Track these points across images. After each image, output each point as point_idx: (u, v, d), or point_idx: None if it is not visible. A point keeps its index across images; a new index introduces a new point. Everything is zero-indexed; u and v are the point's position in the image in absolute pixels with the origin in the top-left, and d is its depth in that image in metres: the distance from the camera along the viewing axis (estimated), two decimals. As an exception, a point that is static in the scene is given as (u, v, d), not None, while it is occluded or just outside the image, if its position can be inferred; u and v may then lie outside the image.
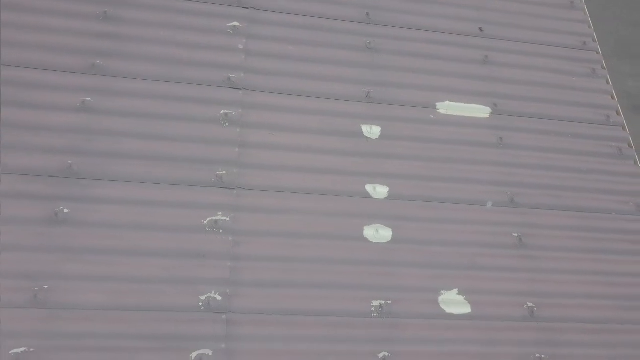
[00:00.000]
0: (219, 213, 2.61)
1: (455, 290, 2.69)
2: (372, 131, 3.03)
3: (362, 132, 3.02)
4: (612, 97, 3.57)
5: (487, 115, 3.25)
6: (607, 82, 3.63)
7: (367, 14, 3.47)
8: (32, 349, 2.18)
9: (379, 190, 2.85)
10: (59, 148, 2.61)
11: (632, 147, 3.37)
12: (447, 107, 3.21)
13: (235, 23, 3.22)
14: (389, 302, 2.58)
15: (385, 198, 2.84)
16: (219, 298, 2.41)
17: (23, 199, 2.46)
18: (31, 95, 2.72)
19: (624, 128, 3.44)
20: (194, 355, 2.29)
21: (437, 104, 3.21)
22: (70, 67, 2.84)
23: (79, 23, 2.99)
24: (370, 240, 2.72)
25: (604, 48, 6.45)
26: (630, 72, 6.46)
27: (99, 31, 2.99)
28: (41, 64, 2.81)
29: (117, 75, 2.87)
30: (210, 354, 2.30)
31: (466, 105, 3.24)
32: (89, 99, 2.78)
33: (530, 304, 2.76)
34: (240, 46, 3.14)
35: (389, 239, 2.74)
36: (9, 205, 2.43)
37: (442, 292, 2.67)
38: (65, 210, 2.46)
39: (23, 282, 2.29)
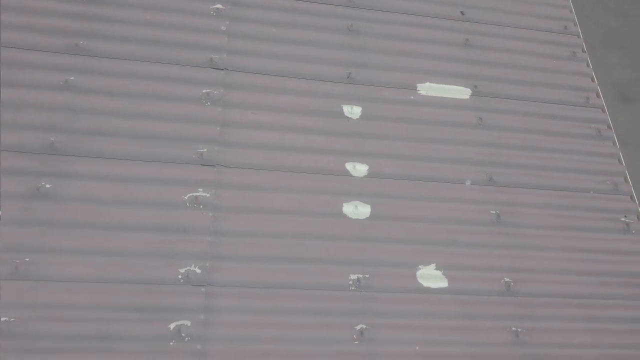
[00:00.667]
0: (199, 189, 2.65)
1: (433, 265, 2.73)
2: (352, 111, 3.07)
3: (342, 112, 3.06)
4: (592, 80, 3.61)
5: (467, 97, 3.30)
6: (587, 65, 3.67)
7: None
8: (12, 319, 2.22)
9: (358, 168, 2.89)
10: (42, 125, 2.65)
11: (610, 129, 3.42)
12: (428, 88, 3.25)
13: (219, 5, 3.26)
14: (367, 276, 2.63)
15: (365, 176, 2.89)
16: (198, 271, 2.46)
17: (5, 175, 2.49)
18: (15, 74, 2.75)
19: (603, 110, 3.49)
20: (172, 325, 2.33)
21: (418, 85, 3.26)
22: (54, 47, 2.87)
23: (63, 5, 3.02)
24: (349, 216, 2.76)
25: (592, 39, 6.53)
26: (618, 62, 6.51)
27: (82, 12, 3.02)
28: (25, 44, 2.85)
29: (100, 56, 2.91)
30: (189, 324, 2.35)
31: (446, 86, 3.29)
32: (72, 78, 2.81)
33: (507, 279, 2.80)
34: (223, 28, 3.17)
35: (368, 215, 2.78)
36: (-9, 180, 2.47)
37: (419, 267, 2.72)
38: (47, 186, 2.50)
39: (4, 255, 2.33)
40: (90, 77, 2.84)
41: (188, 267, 2.46)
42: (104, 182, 2.57)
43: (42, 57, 2.84)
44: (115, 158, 2.63)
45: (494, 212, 2.93)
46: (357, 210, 2.78)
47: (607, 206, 3.12)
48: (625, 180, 3.23)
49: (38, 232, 2.40)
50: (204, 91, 2.94)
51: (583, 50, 3.74)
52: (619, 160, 3.31)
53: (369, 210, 2.79)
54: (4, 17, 2.91)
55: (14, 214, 2.42)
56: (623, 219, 3.09)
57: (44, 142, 2.61)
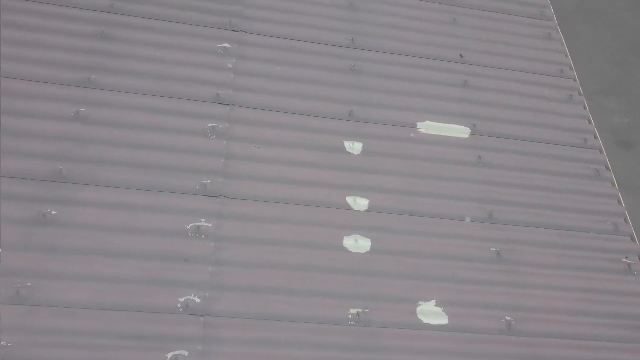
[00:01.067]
0: (202, 220, 2.68)
1: (433, 302, 2.72)
2: (354, 147, 3.14)
3: (344, 148, 3.13)
4: (589, 122, 3.69)
5: (466, 136, 3.37)
6: (584, 108, 3.76)
7: (352, 39, 3.64)
8: (10, 344, 2.21)
9: (359, 203, 2.93)
10: (51, 154, 2.71)
11: (609, 170, 3.47)
12: (428, 127, 3.33)
13: (226, 44, 3.39)
14: (367, 310, 2.62)
15: (366, 210, 2.92)
16: (198, 301, 2.46)
17: (12, 200, 2.54)
18: (29, 105, 2.85)
19: (601, 151, 3.55)
20: (170, 355, 2.31)
21: (418, 123, 3.33)
22: (67, 81, 2.98)
23: (78, 41, 3.16)
24: (350, 250, 2.78)
25: (591, 87, 6.69)
26: (617, 109, 6.64)
27: (96, 48, 3.15)
28: (41, 77, 2.96)
29: (111, 89, 3.01)
30: (187, 354, 2.33)
31: (446, 125, 3.37)
32: (83, 109, 2.90)
33: (508, 318, 2.78)
34: (230, 65, 3.29)
35: (368, 249, 2.80)
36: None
37: (420, 302, 2.71)
38: (53, 212, 2.54)
39: (7, 279, 2.34)
40: (100, 109, 2.93)
41: (188, 297, 2.46)
42: (109, 210, 2.61)
43: (55, 89, 2.94)
44: (122, 187, 2.68)
45: (494, 249, 2.94)
46: (357, 244, 2.80)
47: (607, 246, 3.13)
48: (626, 221, 3.25)
49: (41, 258, 2.42)
50: (210, 125, 3.01)
51: (579, 94, 3.84)
52: (619, 201, 3.34)
53: (370, 244, 2.81)
54: (24, 51, 3.03)
55: (18, 239, 2.45)
56: (624, 260, 3.09)
57: (53, 170, 2.67)
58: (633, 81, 6.95)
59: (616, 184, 3.41)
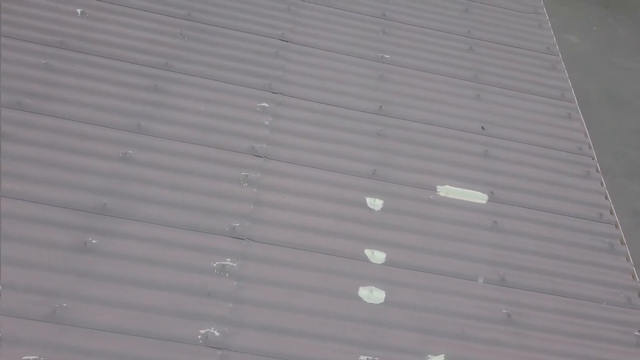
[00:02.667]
0: (227, 259, 2.87)
1: (442, 356, 2.79)
2: (375, 203, 3.33)
3: (366, 203, 3.32)
4: (606, 198, 3.81)
5: (484, 201, 3.53)
6: (601, 184, 3.89)
7: (380, 106, 3.93)
8: (42, 359, 2.38)
9: (376, 255, 3.08)
10: (98, 188, 2.99)
11: (624, 245, 3.54)
12: (447, 191, 3.51)
13: (265, 104, 3.72)
14: (377, 359, 2.70)
15: (382, 263, 3.07)
16: (217, 334, 2.60)
17: (59, 227, 2.80)
18: (84, 143, 3.17)
19: (616, 226, 3.64)
20: (186, 383, 2.43)
21: (438, 186, 3.52)
22: (119, 125, 3.32)
23: (133, 91, 3.53)
24: (364, 299, 2.90)
25: (614, 169, 6.80)
26: (639, 192, 6.69)
27: (148, 99, 3.51)
28: (98, 121, 3.31)
29: (157, 135, 3.33)
30: (202, 384, 2.45)
31: (465, 190, 3.54)
32: (130, 151, 3.21)
33: (516, 381, 2.81)
34: (267, 122, 3.60)
35: (382, 300, 2.91)
36: (47, 230, 2.77)
37: (429, 356, 2.78)
38: (94, 241, 2.78)
39: (45, 298, 2.55)
40: (145, 152, 3.23)
41: (208, 329, 2.61)
42: (144, 243, 2.83)
43: (108, 132, 3.28)
44: (158, 223, 2.92)
45: (505, 311, 3.02)
46: (372, 294, 2.92)
47: (620, 318, 3.15)
48: (639, 295, 3.29)
49: (78, 281, 2.63)
50: (243, 174, 3.27)
51: (597, 171, 3.98)
52: (633, 276, 3.39)
53: (384, 295, 2.93)
54: (84, 97, 3.41)
55: (60, 262, 2.68)
56: (637, 333, 3.11)
57: (98, 203, 2.93)
58: (658, 165, 7.05)
59: (631, 259, 3.47)
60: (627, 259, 3.47)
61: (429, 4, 5.12)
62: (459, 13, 5.11)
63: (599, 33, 9.08)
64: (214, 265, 2.83)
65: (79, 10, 3.99)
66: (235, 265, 2.86)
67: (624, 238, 3.57)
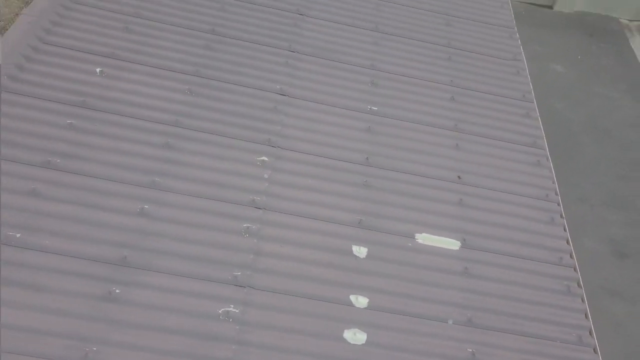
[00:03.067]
0: (231, 305, 3.34)
1: (415, 391, 3.26)
2: (360, 251, 3.80)
3: (352, 251, 3.79)
4: (567, 243, 4.27)
5: (456, 248, 4.00)
6: (564, 230, 4.36)
7: (367, 158, 4.40)
8: (76, 396, 2.85)
9: (360, 300, 3.55)
10: (119, 242, 3.46)
11: (580, 287, 4.01)
12: (424, 238, 3.98)
13: (264, 157, 4.19)
14: (358, 393, 3.17)
15: (365, 307, 3.54)
16: (222, 373, 3.07)
17: (87, 278, 3.26)
18: (104, 199, 3.64)
19: (575, 269, 4.11)
20: (196, 416, 2.90)
21: (416, 234, 3.99)
22: (137, 182, 3.78)
23: (148, 149, 3.99)
24: (349, 341, 3.37)
25: (592, 198, 7.26)
26: (616, 220, 7.14)
27: (161, 156, 3.98)
28: (117, 177, 3.77)
29: (170, 191, 3.80)
30: (210, 417, 2.91)
31: (440, 237, 4.01)
32: (147, 206, 3.68)
33: (479, 412, 3.28)
34: (266, 176, 4.06)
35: (364, 342, 3.38)
36: (77, 282, 3.24)
37: (403, 391, 3.25)
38: (117, 291, 3.25)
39: (78, 343, 3.01)
40: (160, 207, 3.70)
41: (215, 369, 3.07)
42: (160, 292, 3.30)
43: (127, 188, 3.75)
44: (171, 274, 3.39)
45: (470, 350, 3.49)
46: (355, 336, 3.39)
47: (572, 356, 3.62)
48: (590, 333, 3.76)
49: (106, 328, 3.10)
50: (245, 225, 3.74)
51: (561, 216, 4.45)
52: (586, 315, 3.86)
53: (366, 337, 3.40)
54: (105, 155, 3.88)
55: (88, 311, 3.15)
56: (586, 369, 3.58)
57: (119, 256, 3.40)
58: (635, 195, 7.50)
59: (585, 299, 3.94)
60: (582, 300, 3.94)
61: (415, 52, 5.58)
62: (443, 62, 5.58)
63: (584, 62, 9.54)
64: (220, 311, 3.30)
65: (98, 70, 4.45)
66: (237, 311, 3.32)
67: (580, 281, 4.04)
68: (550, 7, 10.74)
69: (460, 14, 6.27)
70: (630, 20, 10.81)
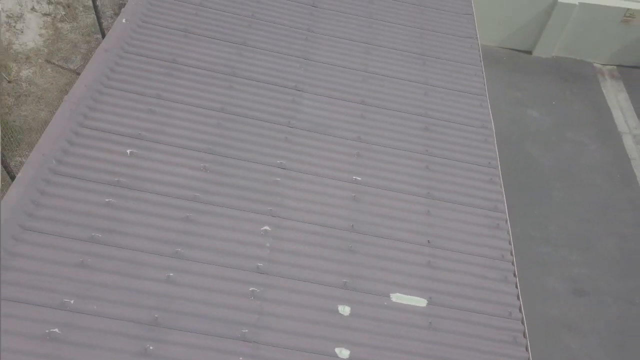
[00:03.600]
0: (240, 358, 4.22)
1: None
2: (344, 310, 4.68)
3: (337, 310, 4.67)
4: (518, 298, 5.15)
5: (424, 305, 4.88)
6: (516, 287, 5.24)
7: (352, 225, 5.29)
8: None
9: (343, 353, 4.43)
10: (151, 305, 4.34)
11: (526, 338, 4.89)
12: (397, 297, 4.86)
13: (267, 227, 5.07)
14: None
15: (347, 359, 4.41)
16: (234, 414, 3.95)
17: (126, 337, 4.15)
18: (136, 269, 4.52)
19: (522, 322, 4.99)
20: None
21: (391, 294, 4.88)
22: (163, 252, 4.67)
23: (171, 222, 4.89)
24: (333, 386, 4.26)
25: (556, 239, 8.12)
26: (577, 260, 8.01)
27: (182, 228, 4.87)
28: (146, 249, 4.66)
29: (189, 259, 4.68)
30: None
31: (410, 296, 4.90)
32: (172, 274, 4.56)
33: None
34: (267, 244, 4.95)
35: (346, 386, 4.27)
36: (116, 340, 4.12)
37: None
38: (151, 347, 4.13)
39: (122, 390, 3.90)
40: (182, 275, 4.58)
41: (228, 411, 3.96)
42: (185, 348, 4.18)
43: (156, 259, 4.63)
44: (192, 332, 4.27)
45: (431, 392, 4.37)
46: (339, 382, 4.27)
47: (514, 396, 4.51)
48: (531, 378, 4.64)
49: (143, 377, 3.98)
50: (251, 289, 4.63)
51: (514, 275, 5.33)
52: (528, 361, 4.74)
53: (347, 383, 4.28)
54: (136, 229, 4.76)
55: (129, 364, 4.03)
56: (526, 407, 4.45)
57: (151, 317, 4.29)
58: (596, 236, 8.38)
59: (529, 350, 4.82)
60: (526, 349, 4.82)
61: (395, 124, 6.47)
62: (420, 132, 6.47)
63: (558, 107, 10.43)
64: (232, 362, 4.19)
65: (128, 151, 5.35)
66: (245, 362, 4.21)
67: (526, 332, 4.92)
68: (530, 53, 11.66)
69: (437, 83, 7.17)
70: (603, 65, 11.73)
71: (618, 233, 8.50)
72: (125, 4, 7.89)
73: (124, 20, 6.61)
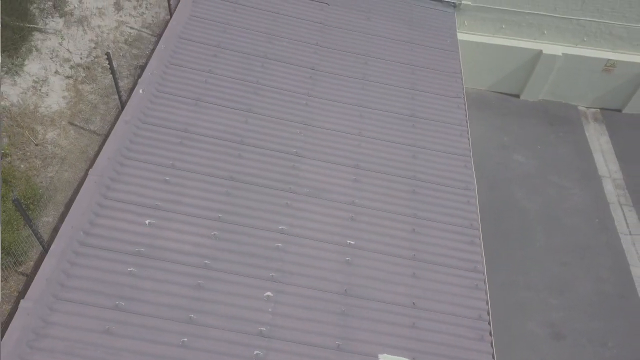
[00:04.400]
0: (246, 416, 4.88)
1: None
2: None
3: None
4: (493, 357, 5.80)
5: (408, 365, 5.54)
6: (491, 346, 5.88)
7: (345, 290, 5.95)
8: None
9: (335, 410, 5.09)
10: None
11: (498, 392, 5.54)
12: (384, 357, 5.52)
13: (269, 293, 5.74)
14: None
15: (339, 415, 5.07)
16: None
17: (149, 399, 4.81)
18: (156, 335, 5.17)
19: (495, 378, 5.64)
20: None
21: (379, 354, 5.53)
22: (178, 319, 5.33)
23: (184, 290, 5.54)
24: None
25: (539, 284, 8.78)
26: (555, 304, 8.64)
27: (195, 295, 5.53)
28: (163, 316, 5.31)
29: (201, 325, 5.34)
30: None
31: (396, 357, 5.55)
32: (185, 339, 5.22)
33: None
34: (269, 309, 5.61)
35: None
36: (142, 402, 4.78)
37: None
38: (169, 407, 4.79)
39: None
40: (197, 339, 5.24)
41: None
42: (198, 408, 4.84)
43: (171, 325, 5.29)
44: (205, 393, 4.93)
45: None
46: None
47: None
48: None
49: None
50: (255, 352, 5.28)
51: (490, 334, 5.98)
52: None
53: None
54: (153, 296, 5.43)
55: (151, 423, 4.68)
56: None
57: (169, 380, 4.94)
58: (574, 279, 9.01)
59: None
60: (498, 404, 5.47)
61: (386, 187, 7.12)
62: (408, 194, 7.13)
63: (543, 152, 11.08)
64: (239, 421, 4.84)
65: (147, 222, 6.02)
66: (251, 420, 4.86)
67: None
68: (518, 96, 12.33)
69: (425, 144, 7.83)
70: (587, 108, 12.38)
71: (595, 276, 9.13)
72: (140, 65, 8.59)
73: (141, 91, 7.30)
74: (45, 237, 6.48)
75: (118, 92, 7.67)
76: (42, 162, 7.32)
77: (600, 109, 12.43)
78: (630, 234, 9.86)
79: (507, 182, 10.53)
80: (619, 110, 12.42)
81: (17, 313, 5.01)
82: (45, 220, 6.88)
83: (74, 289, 5.35)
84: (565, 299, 8.81)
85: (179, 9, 8.70)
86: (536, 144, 11.36)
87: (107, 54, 6.86)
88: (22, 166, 7.18)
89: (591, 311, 8.74)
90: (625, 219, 10.13)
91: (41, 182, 7.11)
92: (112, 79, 7.67)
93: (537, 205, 10.18)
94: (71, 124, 7.83)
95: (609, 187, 10.74)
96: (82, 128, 7.83)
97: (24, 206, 6.62)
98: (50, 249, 5.54)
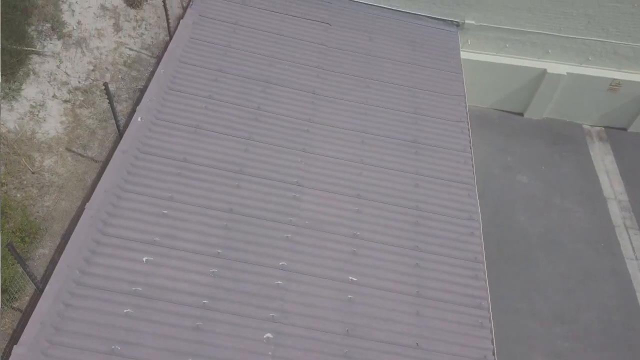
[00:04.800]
0: None
1: None
2: (338, 418, 5.20)
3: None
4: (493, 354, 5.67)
5: (410, 410, 5.40)
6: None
7: (347, 330, 5.81)
8: None
9: None
10: None
11: None
12: (387, 403, 5.38)
13: (269, 335, 5.60)
14: None
15: None
16: None
17: None
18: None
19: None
20: None
21: (381, 400, 5.40)
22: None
23: (182, 332, 5.40)
24: None
25: (543, 312, 8.63)
26: (559, 333, 8.50)
27: (192, 338, 5.39)
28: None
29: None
30: None
31: (398, 402, 5.41)
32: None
33: None
34: (270, 352, 5.47)
35: None
36: None
37: None
38: None
39: None
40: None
41: None
42: None
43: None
44: None
45: None
46: None
47: None
48: None
49: None
50: (254, 398, 5.15)
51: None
52: None
53: None
54: (150, 340, 5.29)
55: None
56: None
57: None
58: (578, 307, 8.87)
59: None
60: None
61: (388, 218, 6.97)
62: (410, 226, 6.99)
63: (547, 172, 10.92)
64: None
65: (144, 259, 5.88)
66: None
67: None
68: (521, 115, 12.18)
69: (428, 172, 7.69)
70: (592, 126, 12.23)
71: (599, 304, 8.99)
72: (139, 88, 8.47)
73: (139, 119, 7.17)
74: (41, 270, 6.35)
75: (116, 120, 7.53)
76: (38, 191, 7.19)
77: (605, 127, 12.28)
78: (637, 259, 9.71)
79: (511, 204, 10.38)
80: (624, 129, 12.26)
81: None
82: (42, 252, 6.75)
83: (69, 333, 5.22)
84: (568, 329, 8.67)
85: (179, 31, 8.57)
86: (540, 165, 11.21)
87: (105, 84, 6.73)
88: (18, 195, 7.05)
89: (595, 340, 8.59)
90: (632, 243, 9.98)
91: (37, 212, 6.97)
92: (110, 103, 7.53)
93: (540, 229, 10.03)
94: (69, 150, 7.69)
95: (614, 209, 10.58)
96: (79, 155, 7.70)
97: (19, 238, 6.51)
98: (45, 289, 5.40)
